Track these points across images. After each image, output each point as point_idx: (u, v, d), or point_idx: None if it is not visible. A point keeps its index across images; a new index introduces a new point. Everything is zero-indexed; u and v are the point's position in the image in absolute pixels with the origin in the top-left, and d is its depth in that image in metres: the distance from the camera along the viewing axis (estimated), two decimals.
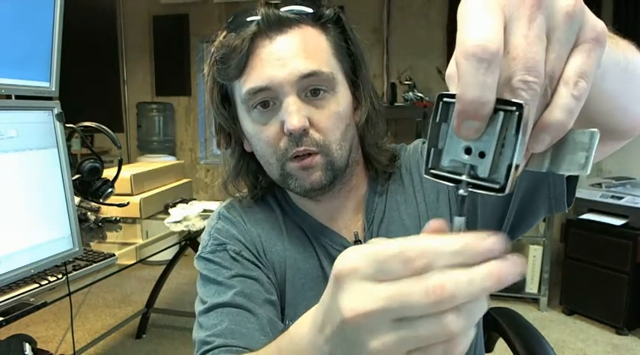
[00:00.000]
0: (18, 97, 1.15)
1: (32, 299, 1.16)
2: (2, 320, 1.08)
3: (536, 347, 0.86)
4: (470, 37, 0.26)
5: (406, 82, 3.54)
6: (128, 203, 1.99)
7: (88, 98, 3.97)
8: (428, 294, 0.26)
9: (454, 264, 0.27)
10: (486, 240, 0.27)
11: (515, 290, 2.99)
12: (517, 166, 0.27)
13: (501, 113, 0.26)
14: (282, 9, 0.64)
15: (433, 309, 0.27)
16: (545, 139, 0.27)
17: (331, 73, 0.65)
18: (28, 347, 1.20)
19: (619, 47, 0.41)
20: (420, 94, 3.48)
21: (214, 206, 2.31)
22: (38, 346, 1.29)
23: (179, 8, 4.34)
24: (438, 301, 0.26)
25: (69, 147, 1.29)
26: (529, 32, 0.26)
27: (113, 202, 1.86)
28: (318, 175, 0.66)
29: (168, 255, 2.56)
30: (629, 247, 2.72)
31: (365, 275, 0.29)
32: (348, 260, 0.30)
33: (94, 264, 1.37)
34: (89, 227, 1.85)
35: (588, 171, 0.28)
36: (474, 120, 0.27)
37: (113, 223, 1.97)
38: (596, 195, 2.97)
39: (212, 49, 0.70)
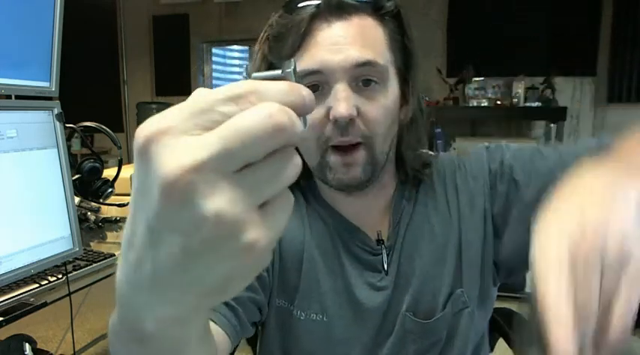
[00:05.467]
0: (18, 97, 1.14)
1: (32, 299, 1.16)
2: (2, 320, 1.08)
3: None
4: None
5: None
6: (128, 203, 1.99)
7: (88, 98, 3.98)
8: (271, 118, 0.21)
9: (284, 102, 0.23)
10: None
11: (515, 290, 2.99)
12: None
13: None
14: None
15: (276, 140, 0.22)
16: None
17: (385, 65, 0.64)
18: (28, 347, 1.20)
19: None
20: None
21: None
22: (38, 346, 1.29)
23: (179, 8, 4.35)
24: (281, 126, 0.21)
25: (69, 147, 1.29)
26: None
27: (113, 202, 1.86)
28: (358, 171, 0.65)
29: None
30: None
31: (186, 128, 0.22)
32: (155, 119, 0.23)
33: (94, 264, 1.37)
34: (89, 227, 1.85)
35: None
36: None
37: (113, 223, 1.97)
38: None
39: (265, 27, 0.68)
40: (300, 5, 0.63)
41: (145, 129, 0.22)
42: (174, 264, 0.23)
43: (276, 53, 0.66)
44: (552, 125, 3.52)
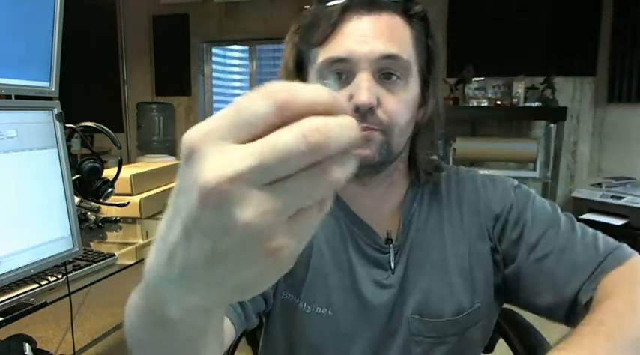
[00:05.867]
0: (18, 97, 1.14)
1: (32, 299, 1.16)
2: (2, 320, 1.08)
3: (537, 347, 0.86)
4: None
5: None
6: (128, 203, 1.98)
7: (88, 98, 3.97)
8: (305, 138, 0.22)
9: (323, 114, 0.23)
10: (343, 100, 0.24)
11: None
12: None
13: None
14: None
15: (310, 157, 0.22)
16: None
17: (408, 60, 0.67)
18: (28, 347, 1.20)
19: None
20: None
21: None
22: (38, 346, 1.29)
23: (179, 8, 4.35)
24: (315, 146, 0.22)
25: (69, 147, 1.29)
26: None
27: (113, 202, 1.86)
28: (372, 150, 0.66)
29: None
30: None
31: (225, 134, 0.23)
32: (201, 126, 0.24)
33: (94, 264, 1.37)
34: (89, 227, 1.85)
35: None
36: None
37: (113, 223, 1.97)
38: (596, 195, 2.97)
39: (299, 18, 0.71)
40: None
41: (191, 135, 0.24)
42: (202, 262, 0.24)
43: (306, 41, 0.69)
44: (552, 125, 3.52)
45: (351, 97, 0.64)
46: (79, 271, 1.31)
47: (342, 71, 0.66)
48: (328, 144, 0.22)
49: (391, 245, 0.74)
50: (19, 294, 1.15)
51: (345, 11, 0.65)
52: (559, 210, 0.75)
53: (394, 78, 0.66)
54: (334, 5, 0.66)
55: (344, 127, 0.23)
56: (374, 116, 0.65)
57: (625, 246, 0.70)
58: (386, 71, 0.65)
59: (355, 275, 0.73)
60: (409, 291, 0.73)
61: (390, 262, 0.73)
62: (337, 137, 0.22)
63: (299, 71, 0.73)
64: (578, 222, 0.73)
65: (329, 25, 0.65)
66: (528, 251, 0.71)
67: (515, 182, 0.79)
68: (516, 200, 0.75)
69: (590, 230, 0.72)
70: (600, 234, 0.72)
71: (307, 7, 0.71)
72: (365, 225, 0.75)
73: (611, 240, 0.71)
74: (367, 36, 0.64)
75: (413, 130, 0.72)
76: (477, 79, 3.69)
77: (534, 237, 0.71)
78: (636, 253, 0.68)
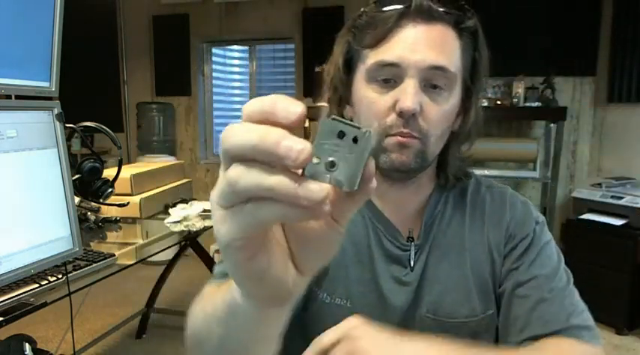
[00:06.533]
0: (18, 97, 1.14)
1: (32, 299, 1.16)
2: (2, 320, 1.08)
3: None
4: None
5: None
6: (128, 203, 1.99)
7: (88, 98, 3.97)
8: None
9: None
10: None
11: None
12: None
13: None
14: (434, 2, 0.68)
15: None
16: None
17: (455, 74, 0.69)
18: (28, 347, 1.20)
19: None
20: None
21: None
22: (38, 346, 1.29)
23: (179, 8, 4.35)
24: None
25: (69, 147, 1.29)
26: None
27: (113, 202, 1.86)
28: (409, 157, 0.69)
29: (168, 255, 2.56)
30: (629, 247, 2.72)
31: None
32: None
33: (94, 264, 1.37)
34: (89, 227, 1.85)
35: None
36: None
37: (113, 223, 1.97)
38: (596, 195, 2.97)
39: (354, 16, 0.74)
40: (392, 4, 0.68)
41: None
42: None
43: (360, 41, 0.71)
44: (552, 125, 3.52)
45: (395, 101, 0.66)
46: (79, 271, 1.31)
47: (391, 76, 0.68)
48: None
49: (412, 243, 0.76)
50: (19, 294, 1.15)
51: (401, 17, 0.67)
52: (563, 264, 0.76)
53: (439, 89, 0.68)
54: (392, 10, 0.68)
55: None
56: (415, 123, 0.67)
57: (596, 331, 0.71)
58: (432, 82, 0.68)
59: (375, 270, 0.76)
60: (426, 290, 0.75)
61: (409, 260, 0.76)
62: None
63: (347, 68, 0.75)
64: (572, 286, 0.74)
65: (384, 29, 0.67)
66: (515, 284, 0.73)
67: (542, 218, 0.80)
68: (533, 234, 0.76)
69: (579, 300, 0.73)
70: (584, 308, 0.73)
71: (364, 9, 0.73)
72: (388, 222, 0.77)
73: (590, 319, 0.72)
74: (419, 44, 0.66)
75: (448, 138, 0.74)
76: None
77: (527, 276, 0.73)
78: (600, 345, 0.69)
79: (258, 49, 4.46)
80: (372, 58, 0.69)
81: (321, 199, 0.27)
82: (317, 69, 3.34)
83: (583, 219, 2.95)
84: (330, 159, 0.29)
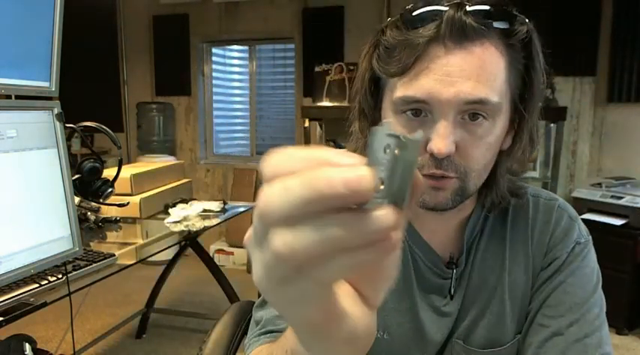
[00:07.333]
0: (18, 97, 1.14)
1: (32, 299, 1.16)
2: (2, 320, 1.08)
3: None
4: None
5: None
6: (128, 203, 1.99)
7: (88, 98, 3.97)
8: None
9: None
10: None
11: None
12: None
13: None
14: (472, 8, 0.57)
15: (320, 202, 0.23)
16: None
17: (499, 103, 0.59)
18: (28, 347, 1.20)
19: None
20: None
21: (214, 206, 2.31)
22: (38, 346, 1.29)
23: (179, 8, 4.34)
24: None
25: (69, 147, 1.29)
26: None
27: (113, 202, 1.86)
28: (446, 198, 0.61)
29: (168, 255, 2.56)
30: (629, 247, 2.72)
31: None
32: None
33: (94, 264, 1.37)
34: (89, 227, 1.85)
35: None
36: None
37: (113, 223, 1.97)
38: (596, 195, 2.97)
39: (378, 33, 0.64)
40: (418, 22, 0.59)
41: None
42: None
43: (384, 68, 0.62)
44: (552, 125, 3.52)
45: (428, 140, 0.58)
46: (79, 271, 1.31)
47: (421, 108, 0.59)
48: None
49: (454, 269, 0.70)
50: (19, 294, 1.15)
51: (430, 42, 0.57)
52: (597, 293, 0.68)
53: (480, 118, 0.59)
54: (420, 34, 0.57)
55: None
56: (450, 162, 0.59)
57: None
58: (471, 112, 0.58)
59: (414, 299, 0.71)
60: (462, 317, 0.70)
61: (450, 288, 0.70)
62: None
63: (375, 88, 0.67)
64: (598, 322, 0.66)
65: (412, 58, 0.57)
66: (537, 309, 0.68)
67: (585, 238, 0.72)
68: (566, 257, 0.69)
69: (602, 338, 0.65)
70: (608, 351, 0.65)
71: (390, 20, 0.63)
72: (427, 246, 0.71)
73: None
74: (453, 76, 0.56)
75: (496, 159, 0.65)
76: None
77: (549, 302, 0.67)
78: None
79: (258, 48, 4.45)
80: (399, 90, 0.59)
81: (394, 225, 0.23)
82: (317, 69, 3.34)
83: (583, 219, 2.94)
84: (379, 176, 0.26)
